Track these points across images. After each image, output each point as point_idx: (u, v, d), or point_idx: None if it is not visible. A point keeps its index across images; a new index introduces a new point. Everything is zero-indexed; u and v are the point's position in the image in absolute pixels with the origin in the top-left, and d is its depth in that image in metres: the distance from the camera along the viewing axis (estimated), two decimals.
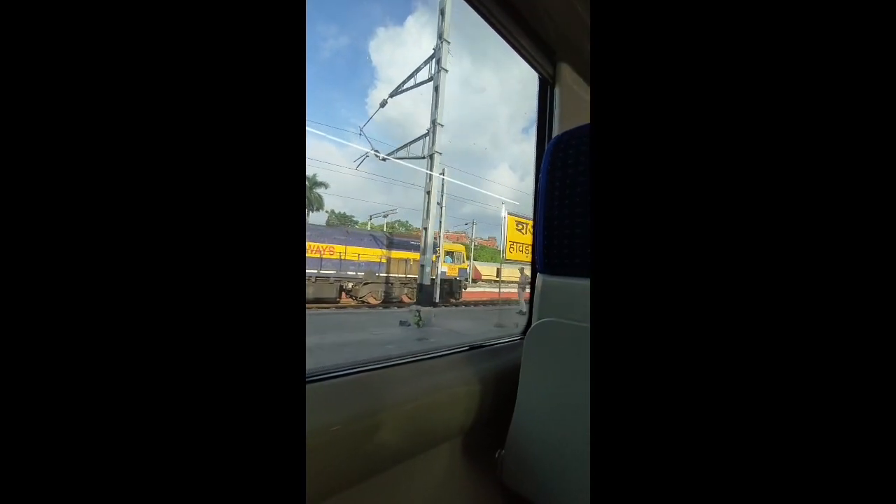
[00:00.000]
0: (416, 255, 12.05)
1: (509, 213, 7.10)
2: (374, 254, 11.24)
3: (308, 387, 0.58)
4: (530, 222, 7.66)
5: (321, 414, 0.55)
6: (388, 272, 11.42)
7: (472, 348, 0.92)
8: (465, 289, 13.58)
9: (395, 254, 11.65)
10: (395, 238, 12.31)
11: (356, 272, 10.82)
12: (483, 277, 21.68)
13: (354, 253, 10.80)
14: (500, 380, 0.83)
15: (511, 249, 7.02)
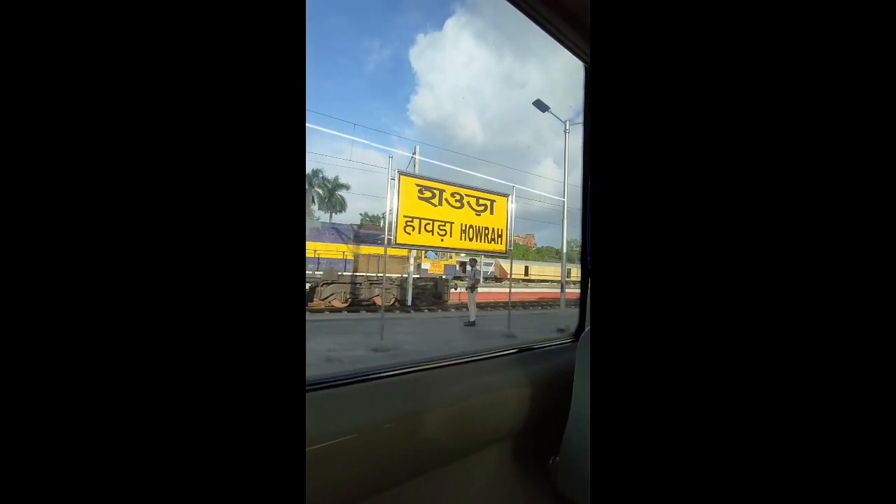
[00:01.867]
0: (394, 252, 10.24)
1: (403, 174, 4.77)
2: (335, 250, 9.72)
3: (352, 387, 0.60)
4: (451, 189, 5.32)
5: (365, 413, 0.56)
6: (354, 270, 9.80)
7: (521, 350, 0.91)
8: (455, 289, 11.30)
9: (364, 249, 10.00)
10: (363, 231, 10.69)
11: (314, 271, 9.39)
12: (511, 276, 19.12)
13: (311, 249, 9.38)
14: (550, 384, 0.82)
15: (408, 229, 4.68)
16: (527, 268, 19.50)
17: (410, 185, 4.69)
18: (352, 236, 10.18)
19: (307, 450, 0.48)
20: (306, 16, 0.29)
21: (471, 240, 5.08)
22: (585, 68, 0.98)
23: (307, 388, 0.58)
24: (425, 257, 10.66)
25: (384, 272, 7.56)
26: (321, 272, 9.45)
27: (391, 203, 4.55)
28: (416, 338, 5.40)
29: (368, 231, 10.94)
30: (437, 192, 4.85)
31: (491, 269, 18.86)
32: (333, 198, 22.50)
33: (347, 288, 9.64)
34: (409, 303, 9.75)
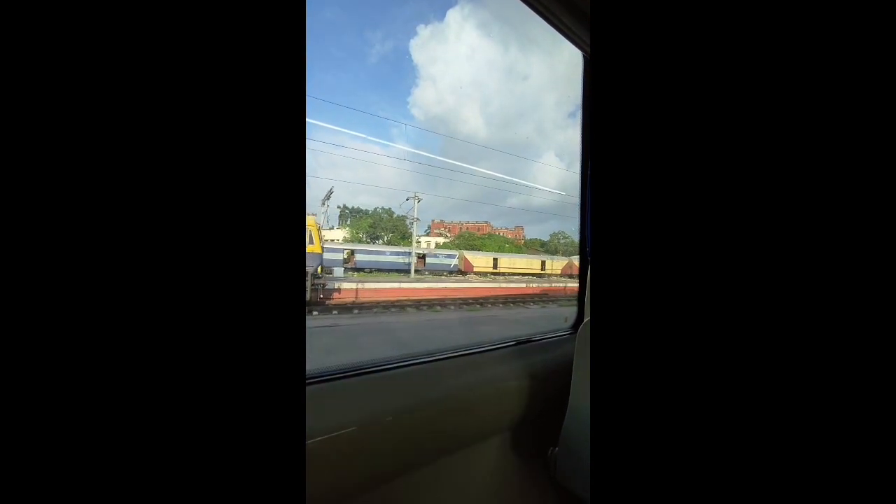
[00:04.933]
0: None
1: None
2: None
3: (351, 380, 0.61)
4: None
5: (365, 406, 0.57)
6: None
7: (519, 343, 0.90)
8: (325, 286, 8.81)
9: None
10: None
11: None
12: (476, 269, 16.37)
13: None
14: (549, 375, 0.83)
15: None
16: (495, 260, 16.56)
17: None
18: None
19: (307, 443, 0.48)
20: (306, 9, 0.29)
21: None
22: (584, 58, 0.98)
23: (307, 381, 0.57)
24: None
25: None
26: None
27: None
28: None
29: None
30: None
31: (455, 261, 16.28)
32: None
33: None
34: None
